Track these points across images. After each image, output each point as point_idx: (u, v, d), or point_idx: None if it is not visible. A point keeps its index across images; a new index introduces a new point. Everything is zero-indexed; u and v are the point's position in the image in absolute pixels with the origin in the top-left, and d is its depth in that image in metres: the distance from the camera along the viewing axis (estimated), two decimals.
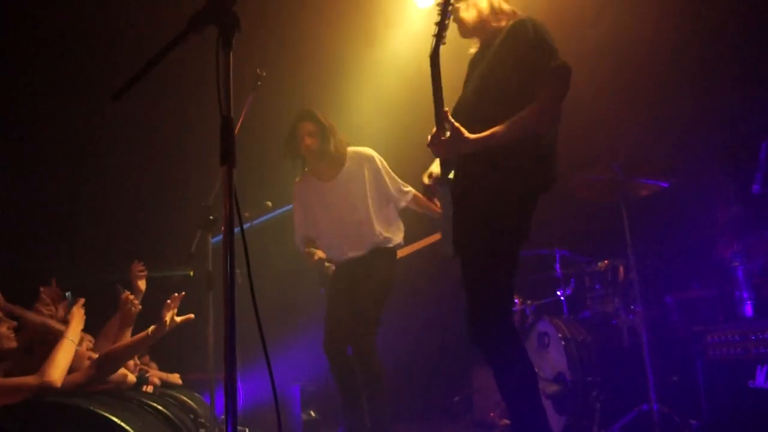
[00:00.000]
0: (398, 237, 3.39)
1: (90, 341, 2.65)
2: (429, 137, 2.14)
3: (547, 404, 3.50)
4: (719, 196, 3.79)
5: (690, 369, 2.98)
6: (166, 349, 3.71)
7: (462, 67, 2.41)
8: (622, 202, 3.22)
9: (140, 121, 4.68)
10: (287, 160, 3.37)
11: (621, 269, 3.62)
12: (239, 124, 2.86)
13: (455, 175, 2.15)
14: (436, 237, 3.89)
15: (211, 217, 2.93)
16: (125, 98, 1.43)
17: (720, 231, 3.72)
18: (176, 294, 2.72)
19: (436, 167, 2.36)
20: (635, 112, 4.30)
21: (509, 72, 2.13)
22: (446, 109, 2.15)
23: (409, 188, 3.39)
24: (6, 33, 4.19)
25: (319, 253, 3.38)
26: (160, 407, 2.52)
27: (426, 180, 2.38)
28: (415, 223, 3.51)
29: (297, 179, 3.50)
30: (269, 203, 4.08)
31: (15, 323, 2.32)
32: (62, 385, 2.25)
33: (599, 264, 3.77)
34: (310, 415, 4.62)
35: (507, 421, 3.83)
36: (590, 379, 3.37)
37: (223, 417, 1.35)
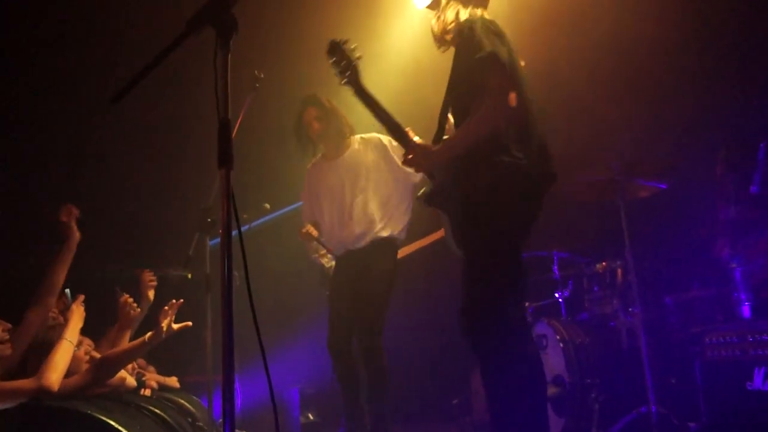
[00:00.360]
0: (397, 229, 3.29)
1: (89, 345, 2.64)
2: (403, 157, 2.28)
3: None
4: (718, 197, 3.79)
5: (688, 370, 2.98)
6: (164, 352, 3.69)
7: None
8: (621, 203, 3.22)
9: (140, 122, 4.68)
10: (297, 148, 3.39)
11: (619, 271, 3.62)
12: (237, 125, 2.86)
13: (433, 185, 2.29)
14: (435, 236, 3.89)
15: (209, 220, 2.92)
16: (124, 100, 1.43)
17: (718, 232, 3.72)
18: (174, 301, 2.70)
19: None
20: (634, 112, 4.31)
21: (458, 77, 2.22)
22: (407, 128, 2.32)
23: None
24: (4, 33, 4.18)
25: (310, 228, 3.36)
26: (158, 411, 2.52)
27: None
28: (415, 222, 3.49)
29: (309, 166, 3.53)
30: (267, 205, 4.08)
31: (10, 326, 2.30)
32: (59, 389, 2.24)
33: (597, 266, 3.76)
34: (308, 418, 4.61)
35: None
36: (589, 381, 3.37)
37: (221, 420, 1.34)
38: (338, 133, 3.32)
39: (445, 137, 2.31)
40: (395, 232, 3.30)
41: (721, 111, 4.09)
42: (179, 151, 4.82)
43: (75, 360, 2.37)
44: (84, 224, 2.57)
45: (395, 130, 2.38)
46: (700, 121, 4.18)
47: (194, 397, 3.37)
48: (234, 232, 1.33)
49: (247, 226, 4.18)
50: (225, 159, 1.34)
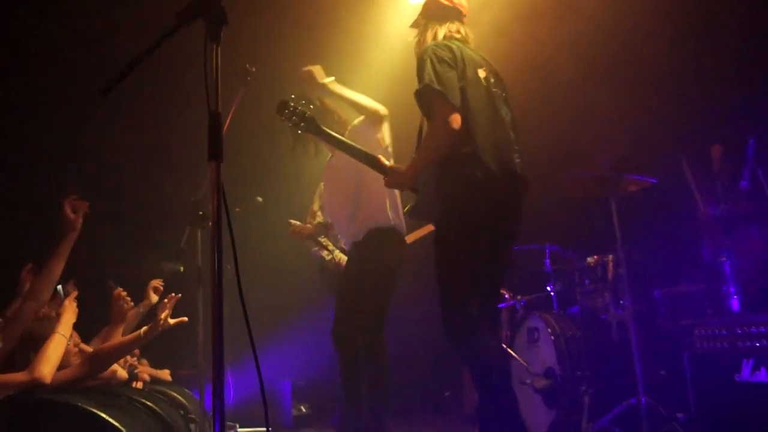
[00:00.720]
0: (386, 217, 3.18)
1: (77, 336, 2.63)
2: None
3: (536, 398, 3.53)
4: (707, 191, 3.82)
5: (678, 363, 3.01)
6: (157, 345, 3.69)
7: None
8: (612, 197, 3.24)
9: (131, 116, 4.65)
10: (297, 147, 3.35)
11: (610, 264, 3.64)
12: (229, 119, 2.85)
13: (417, 199, 2.50)
14: (425, 230, 3.90)
15: (201, 213, 2.91)
16: (115, 93, 1.42)
17: (708, 226, 3.75)
18: (173, 294, 2.70)
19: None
20: (625, 108, 4.32)
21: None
22: (378, 156, 2.57)
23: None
24: None
25: (297, 227, 3.36)
26: (149, 403, 2.52)
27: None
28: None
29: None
30: (260, 198, 4.07)
31: (0, 319, 2.30)
32: (51, 381, 2.23)
33: (589, 259, 3.78)
34: (300, 410, 4.63)
35: None
36: (579, 373, 3.40)
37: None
38: (340, 124, 3.28)
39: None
40: (385, 222, 3.18)
41: (710, 107, 4.12)
42: (172, 144, 4.80)
43: (64, 353, 2.36)
44: (89, 218, 2.50)
45: (366, 159, 2.63)
46: (689, 117, 4.21)
47: (186, 390, 3.37)
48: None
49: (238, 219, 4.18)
50: (215, 152, 1.34)
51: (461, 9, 2.60)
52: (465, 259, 2.30)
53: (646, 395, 2.96)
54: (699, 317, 3.13)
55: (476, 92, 2.36)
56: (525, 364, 3.65)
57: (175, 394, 3.14)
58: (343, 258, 3.75)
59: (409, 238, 3.85)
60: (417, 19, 2.63)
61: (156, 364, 3.69)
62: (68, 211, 2.38)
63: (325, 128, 2.68)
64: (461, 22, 2.59)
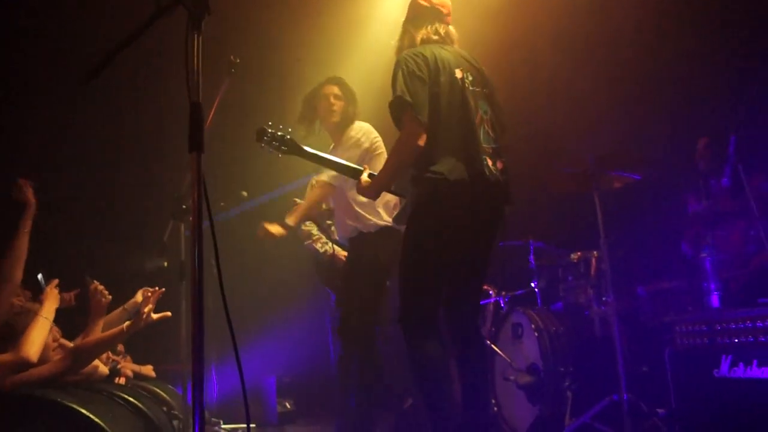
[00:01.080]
0: (374, 218, 3.16)
1: (57, 332, 2.60)
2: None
3: (519, 394, 3.55)
4: (689, 188, 3.86)
5: (659, 359, 3.04)
6: (140, 340, 3.66)
7: None
8: (595, 194, 3.26)
9: (115, 108, 4.59)
10: (300, 117, 3.34)
11: (593, 261, 3.67)
12: (212, 111, 2.82)
13: (402, 205, 2.59)
14: None
15: (184, 207, 2.89)
16: (98, 84, 1.40)
17: (690, 223, 3.79)
18: (156, 288, 2.68)
19: None
20: (608, 105, 4.35)
21: None
22: (362, 166, 2.63)
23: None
24: None
25: (269, 228, 3.36)
26: (132, 399, 2.50)
27: None
28: None
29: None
30: (245, 193, 4.04)
31: None
32: (31, 378, 2.21)
33: (572, 255, 3.81)
34: (285, 406, 4.62)
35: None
36: (562, 369, 3.42)
37: None
38: (346, 119, 3.29)
39: None
40: (371, 225, 3.18)
41: (692, 104, 4.15)
42: (156, 138, 4.74)
43: (44, 348, 2.33)
44: (39, 189, 2.57)
45: (347, 171, 2.73)
46: (672, 115, 4.24)
47: (169, 386, 3.35)
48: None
49: (226, 213, 4.15)
50: (196, 143, 1.32)
51: (441, 9, 2.56)
52: (423, 262, 2.37)
53: (628, 391, 2.99)
54: (680, 313, 3.17)
55: (450, 96, 2.38)
56: (509, 360, 3.67)
57: (159, 390, 3.12)
58: (338, 250, 3.74)
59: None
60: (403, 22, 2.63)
61: (138, 360, 3.66)
62: (18, 192, 2.50)
63: (305, 147, 2.76)
64: (443, 21, 2.56)
